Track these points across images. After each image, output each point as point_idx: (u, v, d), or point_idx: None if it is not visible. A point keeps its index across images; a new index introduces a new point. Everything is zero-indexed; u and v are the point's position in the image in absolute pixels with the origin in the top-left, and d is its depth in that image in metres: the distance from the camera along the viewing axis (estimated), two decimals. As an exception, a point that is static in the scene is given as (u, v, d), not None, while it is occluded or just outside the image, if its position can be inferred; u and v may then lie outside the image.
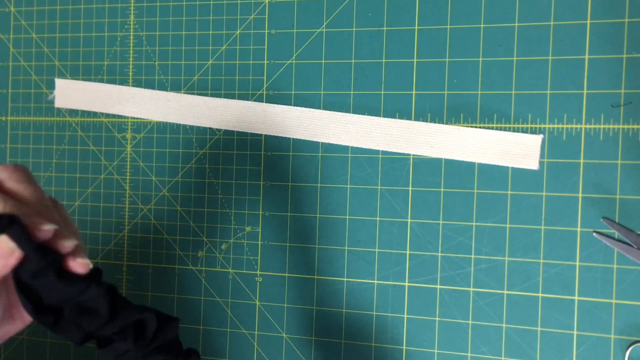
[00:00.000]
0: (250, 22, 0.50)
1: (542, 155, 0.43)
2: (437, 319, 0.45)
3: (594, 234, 0.42)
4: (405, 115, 0.46)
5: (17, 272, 0.27)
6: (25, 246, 0.27)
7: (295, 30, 0.49)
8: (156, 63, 0.52)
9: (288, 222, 0.48)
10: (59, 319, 0.28)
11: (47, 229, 0.28)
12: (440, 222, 0.45)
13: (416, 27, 0.46)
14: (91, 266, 0.29)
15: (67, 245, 0.28)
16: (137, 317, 0.29)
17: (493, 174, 0.44)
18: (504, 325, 0.43)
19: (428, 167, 0.45)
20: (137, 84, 0.53)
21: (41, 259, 0.27)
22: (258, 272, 0.49)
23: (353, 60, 0.47)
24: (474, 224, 0.44)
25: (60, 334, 0.28)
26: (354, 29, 0.47)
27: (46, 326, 0.28)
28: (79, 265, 0.29)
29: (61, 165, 0.55)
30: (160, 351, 0.30)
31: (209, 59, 0.51)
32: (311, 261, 0.48)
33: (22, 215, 0.28)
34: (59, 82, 0.55)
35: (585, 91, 0.42)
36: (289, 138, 0.48)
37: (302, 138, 0.48)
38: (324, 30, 0.48)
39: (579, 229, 0.42)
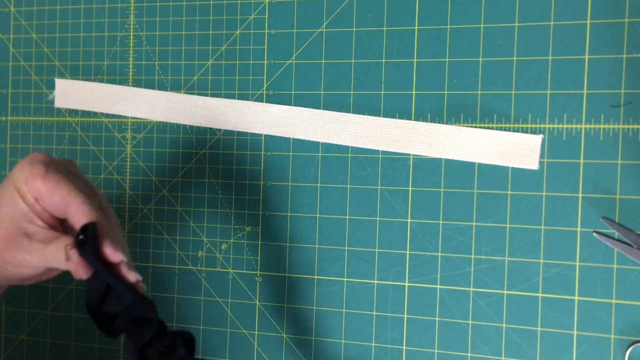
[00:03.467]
0: (250, 22, 0.50)
1: (542, 155, 0.43)
2: (437, 319, 0.45)
3: (594, 234, 0.42)
4: (405, 115, 0.46)
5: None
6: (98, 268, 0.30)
7: (295, 30, 0.49)
8: (156, 63, 0.52)
9: (288, 222, 0.48)
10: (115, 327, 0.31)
11: (120, 259, 0.32)
12: (440, 222, 0.45)
13: (416, 27, 0.46)
14: (141, 278, 0.33)
15: (132, 276, 0.32)
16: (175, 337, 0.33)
17: (493, 174, 0.44)
18: (504, 325, 0.43)
19: (428, 167, 0.45)
20: (137, 84, 0.53)
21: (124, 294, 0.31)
22: (258, 272, 0.49)
23: (353, 60, 0.47)
24: (474, 224, 0.44)
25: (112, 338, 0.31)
26: (354, 29, 0.47)
27: (106, 333, 0.31)
28: (132, 275, 0.32)
29: (61, 165, 0.55)
30: None
31: (209, 59, 0.51)
32: (311, 261, 0.48)
33: (104, 233, 0.31)
34: (59, 82, 0.55)
35: (585, 91, 0.42)
36: (289, 138, 0.48)
37: (302, 138, 0.48)
38: (324, 30, 0.48)
39: (579, 229, 0.42)
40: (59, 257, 0.31)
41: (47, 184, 0.31)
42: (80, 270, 0.30)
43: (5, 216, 0.32)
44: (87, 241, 0.30)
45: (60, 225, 0.34)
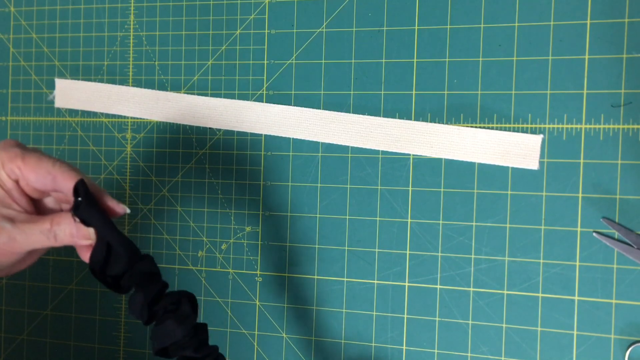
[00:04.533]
0: (250, 22, 0.50)
1: (542, 155, 0.43)
2: (437, 319, 0.45)
3: (594, 234, 0.42)
4: (405, 115, 0.46)
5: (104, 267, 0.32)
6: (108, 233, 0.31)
7: (295, 30, 0.49)
8: (156, 63, 0.52)
9: (288, 222, 0.48)
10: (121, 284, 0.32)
11: (124, 210, 0.34)
12: (440, 222, 0.45)
13: (416, 27, 0.46)
14: (128, 211, 0.34)
15: (122, 208, 0.34)
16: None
17: (493, 174, 0.44)
18: (504, 325, 0.43)
19: (428, 167, 0.45)
20: (137, 84, 0.53)
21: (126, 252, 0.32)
22: (258, 272, 0.49)
23: (353, 60, 0.47)
24: (474, 224, 0.44)
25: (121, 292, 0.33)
26: (354, 29, 0.47)
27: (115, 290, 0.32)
28: (121, 208, 0.34)
29: (61, 165, 0.55)
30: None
31: (209, 59, 0.51)
32: (311, 261, 0.48)
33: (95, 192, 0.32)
34: (59, 82, 0.55)
35: (585, 91, 0.42)
36: (289, 138, 0.48)
37: (302, 138, 0.48)
38: (324, 30, 0.48)
39: (579, 229, 0.42)
40: (68, 230, 0.31)
41: (29, 162, 0.31)
42: (81, 233, 0.31)
43: None
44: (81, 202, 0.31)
45: (35, 209, 0.34)
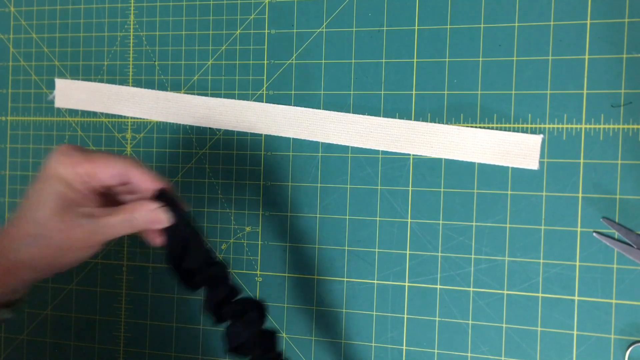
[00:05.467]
0: (250, 22, 0.50)
1: (542, 155, 0.43)
2: (437, 319, 0.45)
3: (594, 234, 0.42)
4: (405, 115, 0.46)
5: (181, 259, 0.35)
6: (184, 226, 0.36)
7: (295, 30, 0.49)
8: (156, 63, 0.52)
9: (288, 222, 0.48)
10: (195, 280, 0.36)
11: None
12: (440, 222, 0.45)
13: (416, 27, 0.46)
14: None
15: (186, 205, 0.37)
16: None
17: (493, 174, 0.44)
18: (504, 325, 0.43)
19: (428, 167, 0.45)
20: (137, 84, 0.53)
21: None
22: (258, 272, 0.49)
23: (353, 60, 0.47)
24: (474, 224, 0.44)
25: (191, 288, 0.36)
26: (354, 29, 0.47)
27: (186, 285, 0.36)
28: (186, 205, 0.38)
29: (61, 165, 0.55)
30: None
31: (209, 59, 0.51)
32: (311, 261, 0.48)
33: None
34: (59, 82, 0.55)
35: (585, 91, 0.42)
36: (289, 138, 0.48)
37: (302, 138, 0.48)
38: (324, 30, 0.48)
39: (579, 229, 0.42)
40: (145, 218, 0.35)
41: (97, 163, 0.35)
42: (156, 218, 0.35)
43: (57, 210, 0.34)
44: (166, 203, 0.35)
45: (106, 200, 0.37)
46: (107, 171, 0.35)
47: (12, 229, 0.34)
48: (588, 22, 0.42)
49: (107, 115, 0.54)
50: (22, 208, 0.35)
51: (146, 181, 0.36)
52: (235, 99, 0.50)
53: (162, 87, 0.52)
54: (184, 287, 0.36)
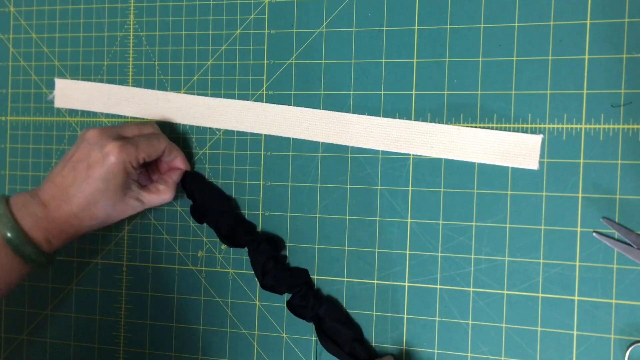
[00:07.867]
0: (250, 22, 0.50)
1: (542, 155, 0.43)
2: (437, 319, 0.45)
3: (594, 234, 0.42)
4: (405, 115, 0.46)
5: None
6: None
7: (295, 30, 0.49)
8: (156, 63, 0.52)
9: (288, 222, 0.48)
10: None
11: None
12: (440, 222, 0.45)
13: (416, 27, 0.46)
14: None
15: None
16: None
17: (493, 174, 0.44)
18: (504, 325, 0.43)
19: (428, 167, 0.45)
20: (137, 84, 0.53)
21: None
22: (258, 272, 0.49)
23: (353, 60, 0.47)
24: (474, 224, 0.44)
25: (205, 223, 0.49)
26: (354, 29, 0.47)
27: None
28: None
29: (61, 165, 0.55)
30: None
31: (209, 59, 0.51)
32: (311, 261, 0.48)
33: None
34: (59, 82, 0.55)
35: (585, 91, 0.42)
36: (289, 138, 0.48)
37: (302, 138, 0.48)
38: (324, 30, 0.48)
39: (579, 229, 0.42)
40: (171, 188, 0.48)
41: (147, 152, 0.45)
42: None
43: (122, 196, 0.45)
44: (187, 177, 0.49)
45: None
46: (154, 155, 0.46)
47: (81, 212, 0.43)
48: (588, 22, 0.42)
49: (107, 115, 0.54)
50: (83, 188, 0.43)
51: (178, 162, 0.49)
52: (235, 99, 0.50)
53: (162, 87, 0.52)
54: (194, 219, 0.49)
